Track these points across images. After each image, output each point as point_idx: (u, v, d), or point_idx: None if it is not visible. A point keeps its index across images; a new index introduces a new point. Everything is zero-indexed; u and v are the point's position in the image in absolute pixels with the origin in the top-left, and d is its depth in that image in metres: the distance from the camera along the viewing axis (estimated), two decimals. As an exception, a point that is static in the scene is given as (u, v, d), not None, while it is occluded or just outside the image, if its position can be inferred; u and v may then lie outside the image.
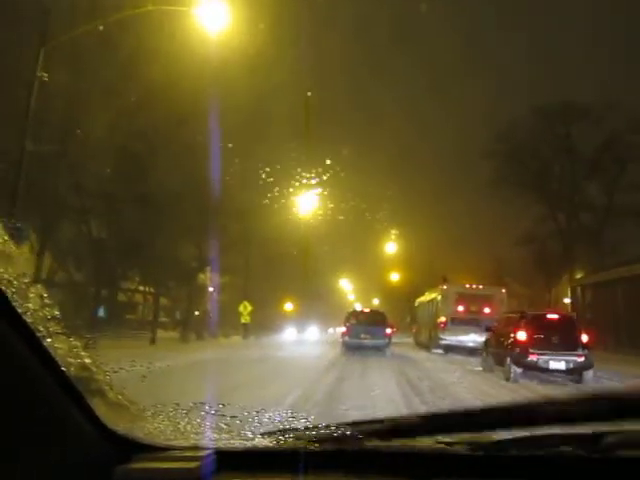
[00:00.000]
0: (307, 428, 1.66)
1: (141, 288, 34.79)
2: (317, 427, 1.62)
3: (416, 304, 30.80)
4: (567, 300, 36.61)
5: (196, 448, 1.39)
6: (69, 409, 1.19)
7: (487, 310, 20.08)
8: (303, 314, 46.45)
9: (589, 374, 11.04)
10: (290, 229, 33.23)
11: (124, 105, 21.64)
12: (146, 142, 24.08)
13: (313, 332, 42.66)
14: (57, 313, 1.44)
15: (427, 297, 25.51)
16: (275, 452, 1.46)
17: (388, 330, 19.66)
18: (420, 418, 1.46)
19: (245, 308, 31.08)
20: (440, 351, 20.36)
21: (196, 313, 38.85)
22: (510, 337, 11.65)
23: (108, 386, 1.63)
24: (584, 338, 11.26)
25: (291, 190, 24.57)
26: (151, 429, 1.63)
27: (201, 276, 37.82)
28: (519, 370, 11.18)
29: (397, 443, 1.38)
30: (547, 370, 11.11)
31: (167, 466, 1.27)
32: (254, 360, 14.52)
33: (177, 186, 27.47)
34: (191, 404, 2.07)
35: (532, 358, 10.94)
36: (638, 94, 45.20)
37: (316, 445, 1.43)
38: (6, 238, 1.40)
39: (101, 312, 34.31)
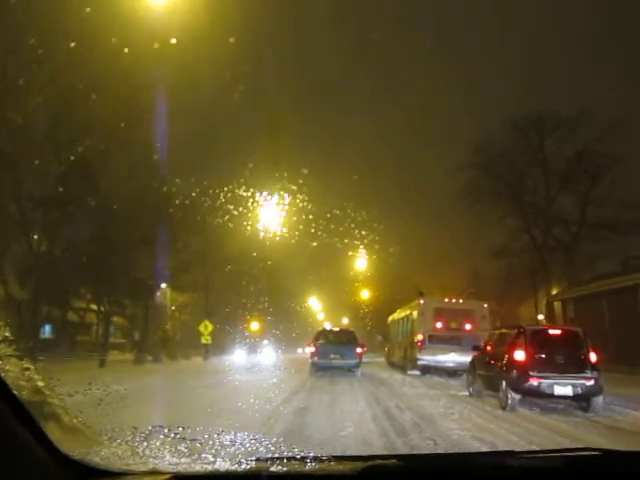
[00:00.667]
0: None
1: (95, 307, 31.97)
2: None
3: (389, 321, 28.65)
4: (540, 317, 35.71)
5: (155, 472, 1.38)
6: (21, 434, 1.15)
7: (468, 326, 18.26)
8: (268, 334, 44.53)
9: (599, 400, 9.22)
10: (254, 246, 31.68)
11: (66, 98, 19.58)
12: (92, 141, 21.92)
13: (268, 354, 40.29)
14: (8, 334, 1.46)
15: (401, 313, 23.52)
16: (236, 475, 1.45)
17: (359, 349, 18.71)
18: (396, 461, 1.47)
19: (206, 328, 28.95)
20: (417, 372, 18.43)
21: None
22: (504, 357, 9.87)
23: (63, 410, 1.62)
24: (592, 357, 9.38)
25: (255, 205, 22.81)
26: (108, 454, 1.59)
27: (159, 294, 35.75)
28: (517, 397, 9.37)
29: (354, 465, 1.39)
30: (552, 396, 9.28)
31: None
32: (205, 387, 12.39)
33: (130, 194, 25.58)
34: (150, 428, 2.13)
35: (533, 382, 9.14)
36: (612, 105, 45.00)
37: (278, 468, 1.45)
38: None
39: (47, 332, 31.88)
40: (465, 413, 8.99)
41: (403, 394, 12.13)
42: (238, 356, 35.11)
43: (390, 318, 28.46)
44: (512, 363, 9.53)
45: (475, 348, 12.24)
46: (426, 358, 17.93)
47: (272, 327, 45.36)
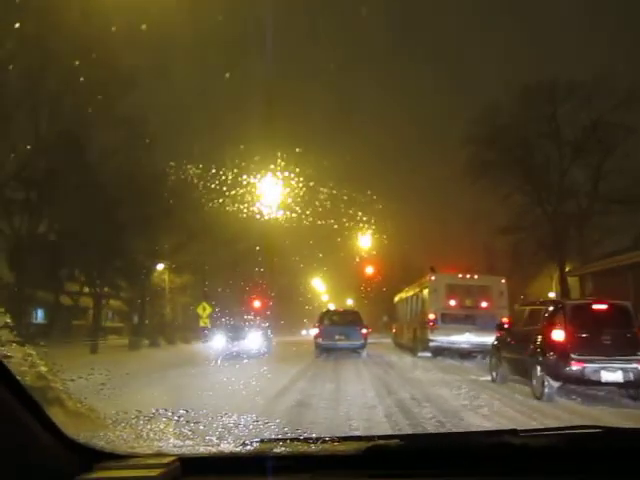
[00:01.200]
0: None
1: (89, 290, 30.71)
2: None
3: (395, 301, 27.26)
4: (552, 294, 34.32)
5: (160, 455, 1.38)
6: (25, 419, 1.16)
7: (484, 304, 16.71)
8: (270, 315, 43.36)
9: (651, 388, 7.84)
10: (254, 227, 29.88)
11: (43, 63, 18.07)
12: (74, 109, 20.42)
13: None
14: (9, 321, 1.62)
15: (409, 292, 22.09)
16: (240, 457, 1.45)
17: (364, 330, 18.57)
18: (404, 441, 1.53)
19: (204, 310, 27.48)
20: (428, 354, 17.02)
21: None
22: (538, 338, 8.43)
23: (66, 395, 1.81)
24: (644, 335, 7.94)
25: (253, 184, 21.37)
26: (113, 437, 1.68)
27: (156, 275, 34.47)
28: (555, 384, 7.95)
29: (357, 445, 1.44)
30: (598, 383, 7.86)
31: (130, 474, 1.24)
32: (189, 376, 10.95)
33: (120, 170, 24.20)
34: (153, 411, 2.21)
35: (575, 367, 7.74)
36: (628, 71, 42.77)
37: (282, 449, 1.46)
38: None
39: (40, 317, 30.54)
40: (495, 405, 7.57)
41: (417, 380, 10.75)
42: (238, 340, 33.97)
43: (397, 297, 27.08)
44: (549, 345, 8.09)
45: (500, 327, 10.80)
46: (439, 339, 16.43)
47: (274, 308, 44.30)
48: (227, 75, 25.22)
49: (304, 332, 45.40)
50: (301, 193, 22.26)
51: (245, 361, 14.43)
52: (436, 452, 1.46)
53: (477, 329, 15.80)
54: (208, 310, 26.10)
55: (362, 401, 7.77)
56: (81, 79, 18.72)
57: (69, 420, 1.58)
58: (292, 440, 1.62)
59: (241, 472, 1.34)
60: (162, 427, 1.91)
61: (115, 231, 24.54)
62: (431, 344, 16.63)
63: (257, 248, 36.68)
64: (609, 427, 1.82)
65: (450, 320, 16.53)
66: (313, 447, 1.51)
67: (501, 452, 1.44)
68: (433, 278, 17.62)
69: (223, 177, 21.32)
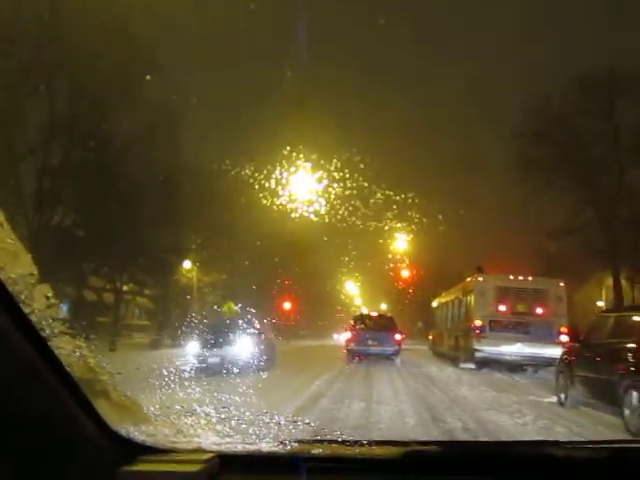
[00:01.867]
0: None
1: (114, 286, 29.75)
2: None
3: (434, 304, 25.39)
4: (600, 303, 31.84)
5: (199, 451, 1.41)
6: (73, 410, 1.20)
7: (540, 310, 14.49)
8: (300, 318, 41.53)
9: None
10: (285, 225, 28.49)
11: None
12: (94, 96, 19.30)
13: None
14: (61, 313, 1.58)
15: (452, 295, 19.90)
16: (278, 456, 1.47)
17: (398, 336, 17.79)
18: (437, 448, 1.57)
19: (229, 309, 26.26)
20: (472, 366, 14.94)
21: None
22: (634, 354, 6.43)
23: (112, 387, 1.70)
24: None
25: (285, 181, 19.93)
26: (154, 431, 1.63)
27: (184, 273, 33.44)
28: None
29: (394, 450, 1.46)
30: None
31: (170, 468, 1.27)
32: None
33: (144, 158, 23.12)
34: (195, 407, 2.15)
35: None
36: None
37: (319, 450, 1.50)
38: (14, 237, 1.50)
39: (64, 311, 29.45)
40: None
41: (465, 401, 8.84)
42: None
43: (435, 301, 25.23)
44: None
45: (573, 336, 8.77)
46: (485, 349, 14.31)
47: (306, 311, 42.58)
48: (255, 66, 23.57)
49: (336, 336, 43.74)
50: (338, 193, 20.70)
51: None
52: (474, 460, 1.45)
53: (531, 339, 13.90)
54: (233, 309, 24.49)
55: (399, 431, 5.92)
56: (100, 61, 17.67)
57: (113, 412, 1.39)
58: (330, 442, 1.68)
59: (278, 471, 1.37)
60: (203, 423, 1.88)
61: (139, 225, 23.60)
62: (476, 355, 14.56)
63: (288, 248, 35.44)
64: None
65: (499, 328, 14.48)
66: (350, 450, 1.54)
67: (542, 463, 1.43)
68: (480, 279, 15.48)
69: (255, 171, 20.02)
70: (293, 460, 1.40)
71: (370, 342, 17.17)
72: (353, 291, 54.89)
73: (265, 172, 19.44)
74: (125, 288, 29.13)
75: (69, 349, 1.45)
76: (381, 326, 17.94)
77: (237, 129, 27.58)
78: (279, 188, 19.49)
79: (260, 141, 23.54)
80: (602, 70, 26.89)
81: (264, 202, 22.33)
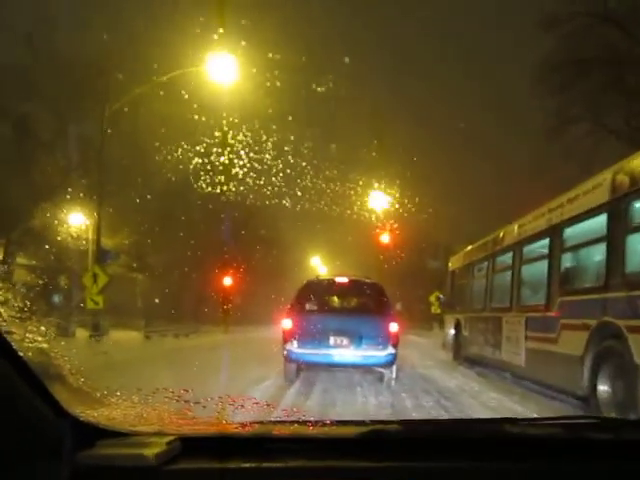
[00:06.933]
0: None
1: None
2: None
3: (455, 266, 14.54)
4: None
5: (160, 434, 1.39)
6: (27, 394, 1.19)
7: None
8: (249, 298, 34.43)
9: None
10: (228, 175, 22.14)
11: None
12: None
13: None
14: (12, 297, 1.49)
15: (508, 236, 10.13)
16: (240, 438, 1.47)
17: (393, 327, 8.70)
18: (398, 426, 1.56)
19: (94, 281, 15.23)
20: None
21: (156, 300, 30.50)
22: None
23: (68, 372, 1.66)
24: None
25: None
26: (114, 415, 1.62)
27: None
28: None
29: (356, 429, 1.46)
30: None
31: (130, 451, 1.27)
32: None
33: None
34: (154, 390, 2.17)
35: None
36: None
37: (282, 431, 1.56)
38: None
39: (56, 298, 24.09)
40: None
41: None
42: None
43: (456, 259, 14.62)
44: None
45: None
46: None
47: (249, 290, 34.33)
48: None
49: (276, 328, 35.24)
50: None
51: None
52: (435, 439, 1.47)
53: None
54: (103, 281, 15.30)
55: None
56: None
57: (71, 397, 1.35)
58: (291, 423, 1.68)
59: (240, 453, 1.33)
60: (163, 406, 1.87)
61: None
62: None
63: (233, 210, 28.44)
64: (606, 417, 2.06)
65: None
66: (312, 430, 1.56)
67: (500, 440, 1.47)
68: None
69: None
70: (254, 441, 1.41)
71: (333, 339, 8.51)
72: (323, 270, 41.63)
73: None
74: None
75: (21, 334, 1.43)
76: (358, 305, 10.10)
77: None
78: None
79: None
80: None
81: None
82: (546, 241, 8.07)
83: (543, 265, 8.12)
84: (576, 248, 7.38)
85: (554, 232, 7.75)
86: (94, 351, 12.17)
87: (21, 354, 1.22)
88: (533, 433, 1.56)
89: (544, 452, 1.41)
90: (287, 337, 8.70)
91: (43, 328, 1.65)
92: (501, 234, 10.52)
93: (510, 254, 9.76)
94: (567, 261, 7.54)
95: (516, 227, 9.57)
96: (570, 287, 7.26)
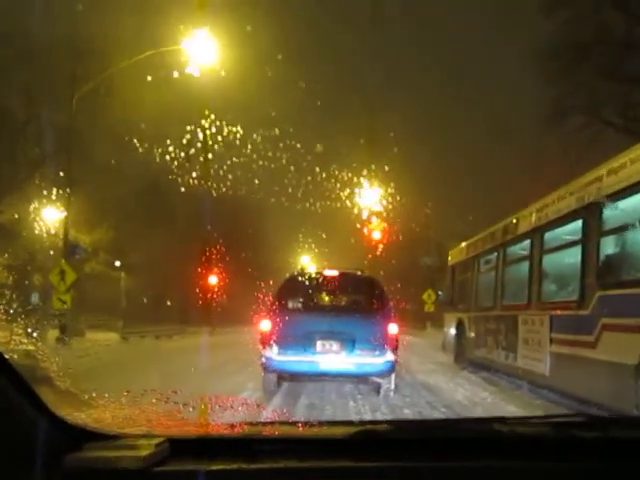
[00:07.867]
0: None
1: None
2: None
3: (455, 260, 13.67)
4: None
5: (148, 436, 1.40)
6: (13, 396, 1.20)
7: None
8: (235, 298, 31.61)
9: None
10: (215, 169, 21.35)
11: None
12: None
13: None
14: None
15: (523, 221, 8.94)
16: (229, 439, 1.48)
17: (392, 328, 7.64)
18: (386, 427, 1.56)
19: (61, 279, 14.66)
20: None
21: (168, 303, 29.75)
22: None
23: (55, 374, 1.66)
24: None
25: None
26: (102, 417, 1.64)
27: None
28: None
29: (345, 429, 1.47)
30: None
31: (119, 454, 1.27)
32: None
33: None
34: (142, 392, 2.21)
35: None
36: None
37: (270, 432, 1.55)
38: None
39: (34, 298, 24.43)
40: None
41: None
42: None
43: (457, 252, 13.65)
44: None
45: None
46: None
47: (244, 290, 30.65)
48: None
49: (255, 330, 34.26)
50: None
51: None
52: (424, 439, 1.49)
53: None
54: (71, 278, 14.27)
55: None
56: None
57: (59, 399, 1.37)
58: (280, 424, 1.79)
59: (229, 454, 1.34)
60: (151, 408, 1.91)
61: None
62: None
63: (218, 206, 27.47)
64: (596, 416, 2.05)
65: None
66: (301, 431, 1.58)
67: (490, 440, 1.49)
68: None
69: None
70: (244, 442, 1.42)
71: (320, 344, 7.40)
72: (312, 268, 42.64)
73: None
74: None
75: (7, 336, 1.44)
76: (350, 303, 9.17)
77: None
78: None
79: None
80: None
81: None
82: (578, 224, 6.77)
83: (573, 253, 6.92)
84: (621, 231, 5.88)
85: (590, 212, 6.38)
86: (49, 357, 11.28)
87: (6, 356, 1.22)
88: (522, 432, 1.58)
89: (533, 451, 1.43)
90: (265, 342, 7.36)
91: (30, 330, 1.67)
92: (514, 220, 9.17)
93: (527, 242, 8.46)
94: (609, 247, 6.15)
95: (534, 211, 8.29)
96: (613, 279, 5.94)
